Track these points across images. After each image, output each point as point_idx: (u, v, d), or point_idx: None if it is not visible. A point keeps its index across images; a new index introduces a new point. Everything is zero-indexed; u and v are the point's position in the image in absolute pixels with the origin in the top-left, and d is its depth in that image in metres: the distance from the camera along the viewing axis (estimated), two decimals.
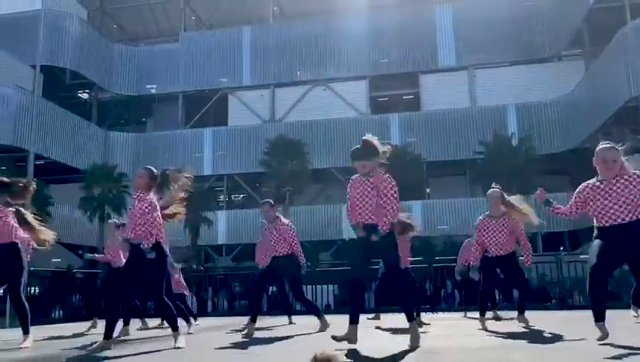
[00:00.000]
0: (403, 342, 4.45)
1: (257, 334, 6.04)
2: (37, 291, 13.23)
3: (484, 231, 6.25)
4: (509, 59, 28.83)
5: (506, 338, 4.99)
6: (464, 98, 28.54)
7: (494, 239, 6.20)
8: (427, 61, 29.25)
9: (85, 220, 25.55)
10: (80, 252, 28.82)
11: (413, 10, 29.91)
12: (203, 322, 9.10)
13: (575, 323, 6.71)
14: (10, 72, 25.71)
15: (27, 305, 5.52)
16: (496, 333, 5.42)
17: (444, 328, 6.68)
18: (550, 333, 5.29)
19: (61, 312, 12.57)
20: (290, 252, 6.63)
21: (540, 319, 7.08)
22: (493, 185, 6.34)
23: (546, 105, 26.81)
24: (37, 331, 7.72)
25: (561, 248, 25.56)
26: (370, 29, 29.35)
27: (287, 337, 5.72)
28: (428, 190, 28.60)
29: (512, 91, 27.44)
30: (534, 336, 5.10)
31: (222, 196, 31.12)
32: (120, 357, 4.40)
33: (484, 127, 26.62)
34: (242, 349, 4.81)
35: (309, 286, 12.62)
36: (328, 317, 6.79)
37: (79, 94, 34.06)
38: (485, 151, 24.09)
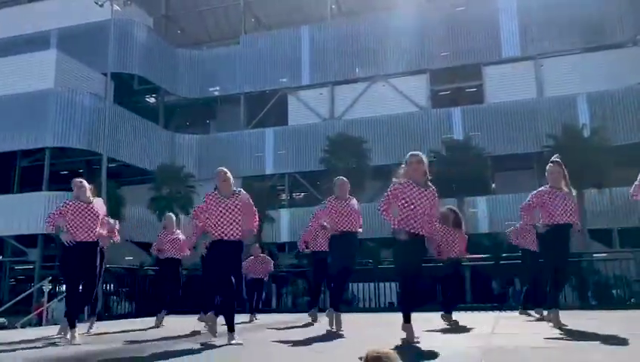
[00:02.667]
0: (460, 340, 4.31)
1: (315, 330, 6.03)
2: (111, 288, 13.90)
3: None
4: (578, 46, 27.38)
5: (576, 338, 4.72)
6: (530, 89, 27.42)
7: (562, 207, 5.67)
8: (490, 52, 28.31)
9: (155, 219, 26.62)
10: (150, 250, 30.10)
11: (474, 0, 29.00)
12: (269, 318, 9.23)
13: None
14: (84, 80, 27.27)
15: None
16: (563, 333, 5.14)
17: (511, 327, 6.43)
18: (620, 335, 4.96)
19: (133, 306, 13.14)
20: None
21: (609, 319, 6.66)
22: (555, 157, 5.94)
23: (621, 94, 25.28)
24: (111, 325, 8.12)
25: None
26: (429, 21, 28.77)
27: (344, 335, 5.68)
28: (493, 185, 27.71)
29: (583, 80, 26.03)
30: (606, 337, 4.80)
31: (284, 194, 31.53)
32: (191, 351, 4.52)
33: (552, 119, 25.45)
34: (307, 346, 4.82)
35: (372, 284, 12.49)
36: (389, 315, 6.68)
37: (146, 99, 35.55)
38: (554, 143, 23.03)
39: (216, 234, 4.98)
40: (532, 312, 7.45)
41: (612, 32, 26.69)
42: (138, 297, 12.63)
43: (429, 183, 4.73)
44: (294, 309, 15.07)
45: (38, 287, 14.28)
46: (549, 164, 5.90)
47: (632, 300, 13.21)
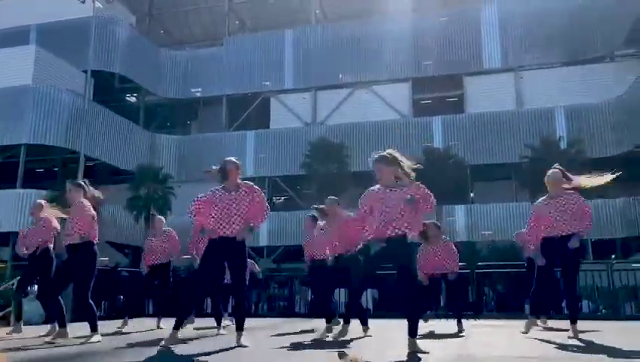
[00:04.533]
0: (433, 348, 4.32)
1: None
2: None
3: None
4: (558, 59, 27.95)
5: (551, 348, 4.78)
6: (510, 100, 27.85)
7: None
8: (471, 62, 28.70)
9: (132, 220, 26.30)
10: (126, 251, 29.68)
11: (458, 10, 29.45)
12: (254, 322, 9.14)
13: (631, 334, 6.38)
14: (63, 77, 26.83)
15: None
16: (542, 341, 5.20)
17: (487, 335, 6.48)
18: (604, 344, 5.04)
19: (106, 308, 12.93)
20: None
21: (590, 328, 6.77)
22: (555, 165, 5.94)
23: (598, 108, 25.81)
24: (84, 327, 7.96)
25: (613, 256, 24.54)
26: (413, 30, 29.06)
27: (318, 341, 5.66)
28: (472, 194, 28.03)
29: (561, 93, 26.55)
30: (588, 347, 4.86)
31: None
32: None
33: (531, 130, 25.88)
34: (287, 350, 4.79)
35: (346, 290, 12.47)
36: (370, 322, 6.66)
37: (127, 98, 35.16)
38: (532, 154, 23.42)
39: (213, 230, 4.87)
40: (539, 322, 7.23)
41: (590, 48, 27.28)
42: (113, 298, 12.44)
43: (407, 181, 4.40)
44: (271, 313, 14.99)
45: (8, 286, 13.92)
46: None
47: (603, 311, 13.47)
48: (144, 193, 26.13)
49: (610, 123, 25.34)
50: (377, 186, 4.51)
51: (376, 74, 29.72)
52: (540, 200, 5.90)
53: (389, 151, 4.54)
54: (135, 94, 34.58)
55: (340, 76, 30.58)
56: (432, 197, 4.33)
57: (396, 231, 4.23)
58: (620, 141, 24.76)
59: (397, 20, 29.86)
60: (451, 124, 27.85)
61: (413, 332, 4.18)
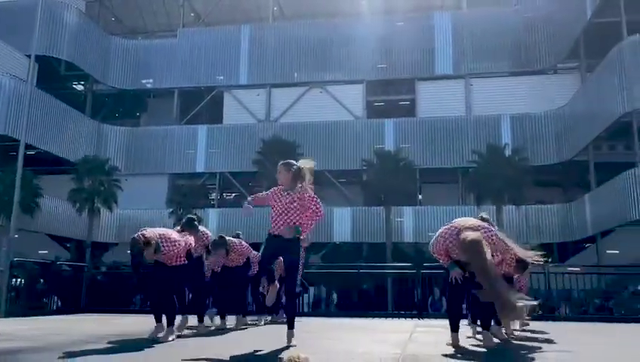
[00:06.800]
0: (377, 347, 4.40)
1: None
2: (22, 282, 13.03)
3: None
4: (506, 69, 28.97)
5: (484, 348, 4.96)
6: (460, 106, 28.62)
7: None
8: (424, 68, 29.31)
9: (74, 213, 25.37)
10: (68, 245, 28.61)
11: (413, 17, 30.02)
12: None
13: (563, 334, 6.70)
14: (4, 61, 25.53)
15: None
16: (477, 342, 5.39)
17: (430, 335, 6.65)
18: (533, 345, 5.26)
19: (49, 304, 12.44)
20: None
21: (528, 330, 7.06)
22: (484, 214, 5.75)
23: (541, 118, 26.94)
24: (30, 322, 7.63)
25: (549, 259, 25.63)
26: (370, 33, 29.37)
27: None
28: (420, 196, 28.64)
29: (508, 102, 27.55)
30: (521, 348, 5.08)
31: (214, 194, 31.00)
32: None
33: (478, 137, 26.73)
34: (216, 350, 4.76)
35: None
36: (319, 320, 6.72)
37: (74, 86, 33.85)
38: (478, 160, 24.18)
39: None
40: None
41: (536, 59, 28.43)
42: (54, 293, 11.98)
43: (300, 188, 4.79)
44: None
45: None
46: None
47: (540, 312, 14.06)
48: (88, 185, 25.25)
49: (552, 132, 26.49)
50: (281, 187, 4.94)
51: (332, 74, 29.89)
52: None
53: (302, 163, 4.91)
54: (82, 82, 33.33)
55: (295, 75, 30.56)
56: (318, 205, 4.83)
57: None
58: (561, 150, 25.94)
59: (353, 22, 30.13)
60: (403, 127, 28.36)
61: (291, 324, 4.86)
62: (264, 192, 5.06)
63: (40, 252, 24.98)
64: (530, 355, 4.51)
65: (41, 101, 25.90)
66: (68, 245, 28.58)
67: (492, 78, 28.92)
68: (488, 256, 4.45)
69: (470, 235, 4.52)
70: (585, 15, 23.38)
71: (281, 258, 6.71)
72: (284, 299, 6.47)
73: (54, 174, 27.83)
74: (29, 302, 11.86)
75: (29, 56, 26.09)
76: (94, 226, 26.22)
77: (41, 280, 12.91)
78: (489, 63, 28.74)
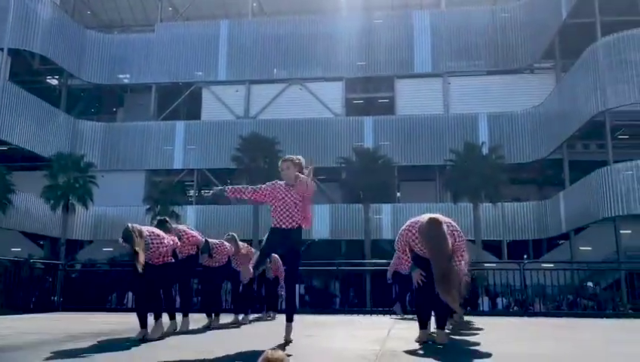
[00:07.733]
0: (357, 343, 4.42)
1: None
2: None
3: None
4: (483, 68, 29.31)
5: (466, 342, 5.03)
6: (438, 105, 28.87)
7: None
8: (403, 66, 29.47)
9: (48, 210, 24.89)
10: (41, 242, 28.06)
11: (392, 15, 30.16)
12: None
13: (536, 328, 6.82)
14: None
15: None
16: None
17: (410, 331, 6.69)
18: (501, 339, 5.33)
19: (22, 303, 12.17)
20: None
21: (500, 325, 7.17)
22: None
23: (517, 116, 27.34)
24: (3, 321, 7.46)
25: (525, 256, 26.10)
26: (349, 31, 29.43)
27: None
28: (398, 194, 28.83)
29: (485, 100, 27.90)
30: (490, 342, 5.15)
31: (192, 191, 30.73)
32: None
33: (455, 135, 27.00)
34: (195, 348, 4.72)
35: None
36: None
37: (48, 80, 33.19)
38: (456, 158, 24.43)
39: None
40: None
41: (512, 59, 28.83)
42: (27, 291, 11.72)
43: (299, 180, 4.87)
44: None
45: None
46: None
47: (515, 308, 14.30)
48: (63, 181, 24.77)
49: (527, 131, 26.91)
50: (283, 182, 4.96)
51: (311, 71, 29.86)
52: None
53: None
54: (57, 77, 32.69)
55: (275, 71, 30.45)
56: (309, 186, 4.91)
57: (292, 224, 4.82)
58: (536, 148, 26.37)
59: (333, 20, 30.15)
60: (382, 124, 28.50)
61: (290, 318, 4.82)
62: (262, 185, 5.02)
63: (13, 249, 24.47)
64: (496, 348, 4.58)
65: (14, 95, 25.34)
66: (42, 243, 28.04)
67: (469, 76, 29.24)
68: (447, 240, 4.48)
69: (431, 217, 4.60)
70: (560, 15, 23.79)
71: (278, 259, 6.75)
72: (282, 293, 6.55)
73: (28, 170, 27.26)
74: (0, 300, 11.59)
75: (1, 50, 25.52)
76: (69, 223, 25.77)
77: (14, 279, 12.63)
78: (467, 62, 29.07)
